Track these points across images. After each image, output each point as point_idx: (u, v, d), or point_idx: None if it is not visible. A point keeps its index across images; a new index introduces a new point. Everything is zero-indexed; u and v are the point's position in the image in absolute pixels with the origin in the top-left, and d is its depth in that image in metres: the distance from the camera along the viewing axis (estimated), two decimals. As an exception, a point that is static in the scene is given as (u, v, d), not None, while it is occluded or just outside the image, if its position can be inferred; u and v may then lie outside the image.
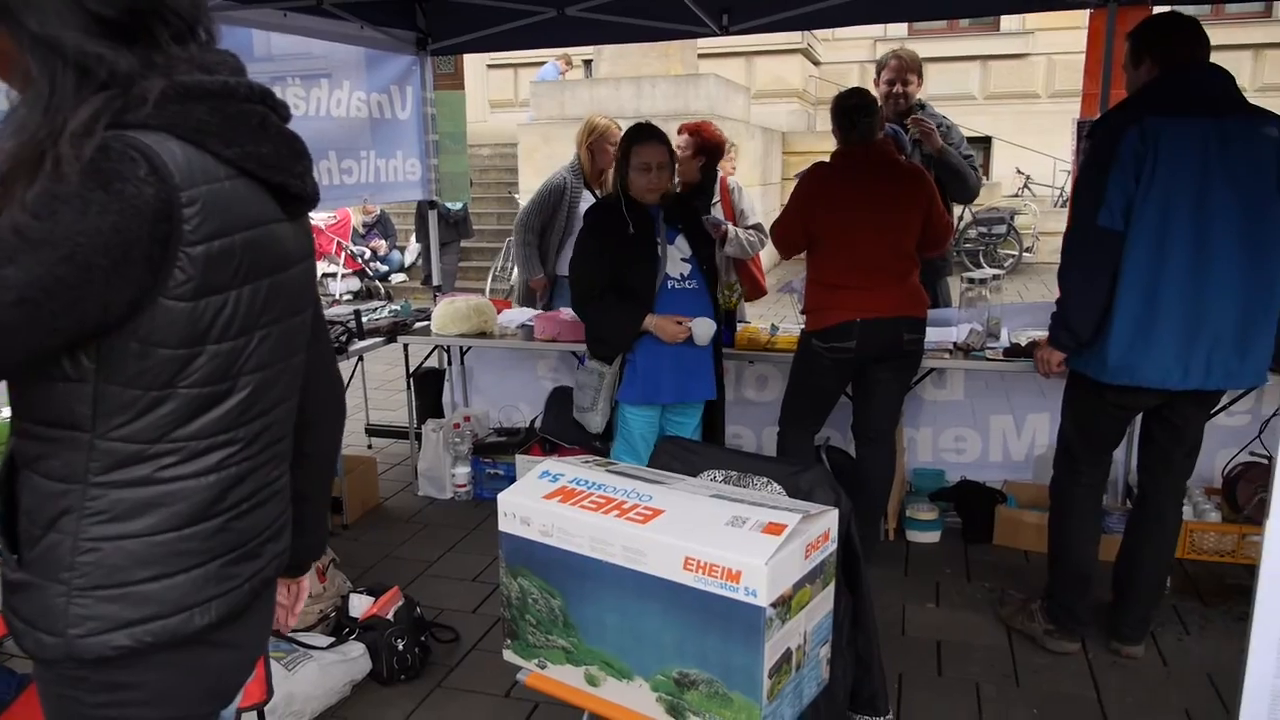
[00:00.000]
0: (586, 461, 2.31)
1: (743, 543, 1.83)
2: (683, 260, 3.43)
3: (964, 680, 2.98)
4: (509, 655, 2.19)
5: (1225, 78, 2.77)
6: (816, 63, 15.97)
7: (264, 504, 1.30)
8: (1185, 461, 3.03)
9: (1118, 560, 3.15)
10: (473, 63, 16.03)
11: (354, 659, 2.94)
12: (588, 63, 13.33)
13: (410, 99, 4.96)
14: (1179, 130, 2.69)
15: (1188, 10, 3.07)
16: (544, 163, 9.81)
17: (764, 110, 13.46)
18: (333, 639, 3.00)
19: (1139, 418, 3.23)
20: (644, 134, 3.36)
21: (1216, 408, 3.08)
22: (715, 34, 4.42)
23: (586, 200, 4.61)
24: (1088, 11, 4.00)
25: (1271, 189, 2.67)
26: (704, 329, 3.34)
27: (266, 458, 1.29)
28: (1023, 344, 3.74)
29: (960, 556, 3.88)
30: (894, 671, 2.99)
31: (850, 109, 3.46)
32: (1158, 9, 3.72)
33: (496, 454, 4.60)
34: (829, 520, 2.00)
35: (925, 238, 3.49)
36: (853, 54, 15.92)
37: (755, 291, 4.67)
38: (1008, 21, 15.02)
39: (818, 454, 3.95)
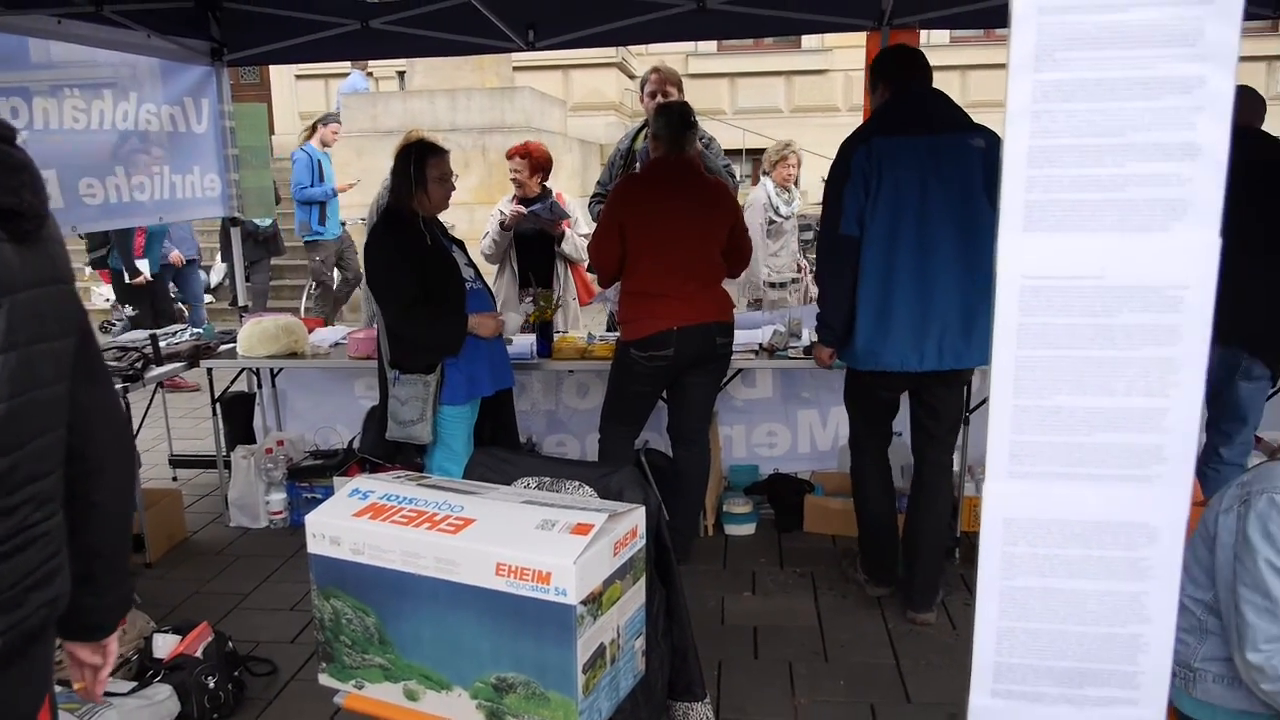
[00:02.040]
0: (399, 477, 2.30)
1: (552, 545, 1.88)
2: (464, 264, 3.58)
3: (778, 661, 3.15)
4: (325, 679, 2.16)
5: (943, 100, 3.21)
6: (632, 76, 16.32)
7: (23, 549, 1.22)
8: (948, 437, 3.41)
9: (904, 534, 3.47)
10: (280, 74, 15.38)
11: (160, 702, 2.79)
12: (401, 74, 13.10)
13: (206, 111, 4.75)
14: (899, 147, 3.09)
15: (954, 34, 3.50)
16: (357, 178, 9.56)
17: (582, 123, 13.63)
18: (135, 684, 2.83)
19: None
20: (435, 148, 3.47)
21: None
22: (522, 49, 4.48)
23: None
24: (866, 33, 4.32)
25: (979, 193, 3.03)
26: (514, 321, 3.65)
27: (21, 499, 1.21)
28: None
29: (774, 546, 4.10)
30: (714, 659, 3.13)
31: (672, 119, 3.61)
32: (924, 32, 4.08)
33: (313, 478, 4.46)
34: (636, 518, 2.09)
35: (730, 255, 3.66)
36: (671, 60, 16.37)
37: (587, 295, 4.93)
38: (808, 40, 15.87)
39: (638, 457, 4.06)
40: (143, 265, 7.22)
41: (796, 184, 6.17)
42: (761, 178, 6.20)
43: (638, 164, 4.40)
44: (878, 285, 3.15)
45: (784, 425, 4.62)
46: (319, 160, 7.71)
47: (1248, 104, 3.31)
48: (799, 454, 4.63)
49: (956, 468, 3.61)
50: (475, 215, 7.96)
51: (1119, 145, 1.02)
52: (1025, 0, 1.00)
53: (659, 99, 4.44)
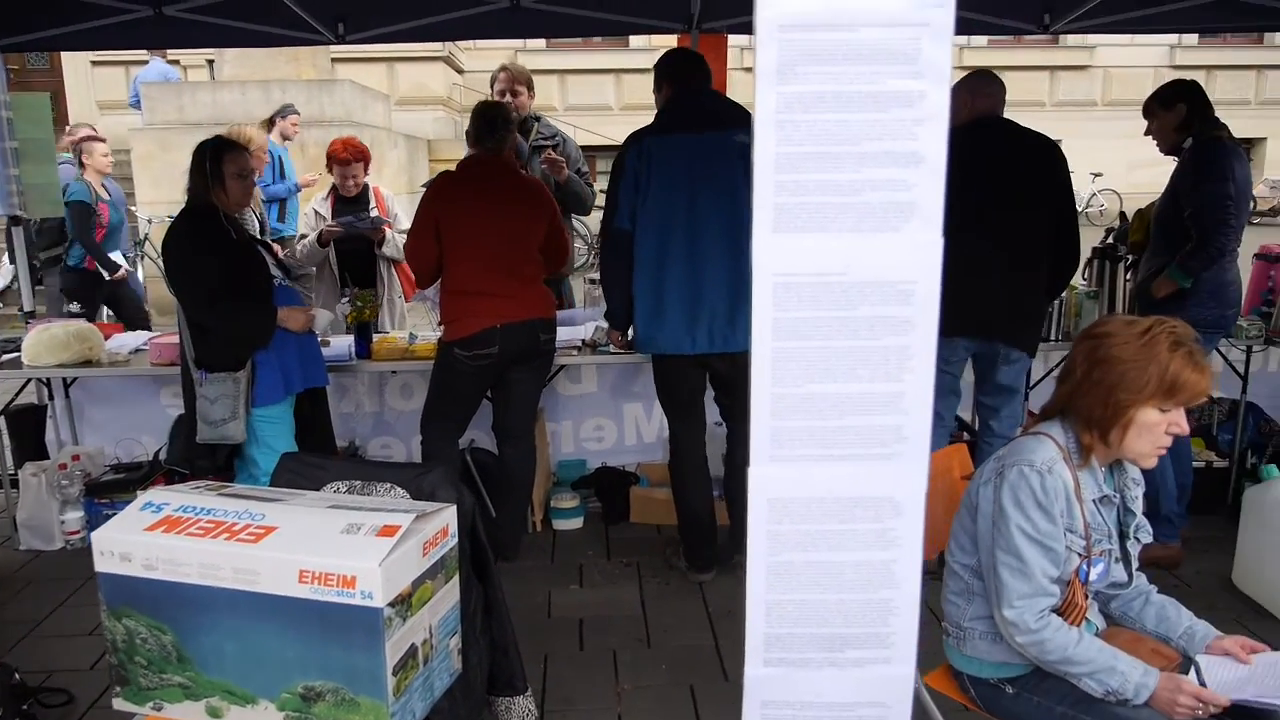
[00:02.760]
0: (197, 487, 2.21)
1: (357, 548, 1.86)
2: (272, 264, 3.53)
3: (603, 650, 3.22)
4: (119, 704, 2.05)
5: (721, 99, 3.44)
6: (460, 70, 16.08)
7: None
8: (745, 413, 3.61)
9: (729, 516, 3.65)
10: (74, 60, 14.24)
11: (-66, 744, 2.57)
12: (211, 63, 12.39)
13: (-22, 101, 4.36)
14: (670, 146, 3.31)
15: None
16: (163, 172, 9.00)
17: (409, 117, 13.32)
18: (-95, 726, 2.60)
19: None
20: (232, 144, 3.43)
21: None
22: (331, 42, 4.35)
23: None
24: (676, 36, 4.45)
25: (741, 186, 3.24)
26: (324, 317, 3.59)
27: None
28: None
29: (601, 538, 4.17)
30: (540, 652, 3.16)
31: (491, 119, 3.62)
32: (732, 37, 4.24)
33: (114, 493, 4.19)
34: (446, 517, 2.09)
35: (547, 253, 3.70)
36: (494, 62, 16.17)
37: (413, 292, 4.88)
38: (636, 39, 16.11)
39: (463, 457, 4.04)
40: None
41: None
42: None
43: (534, 161, 4.48)
44: (652, 276, 3.37)
45: (611, 419, 4.70)
46: (279, 155, 7.17)
47: (985, 91, 3.53)
48: (626, 447, 4.73)
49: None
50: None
51: (855, 153, 1.12)
52: (767, 18, 1.08)
53: (508, 98, 4.45)
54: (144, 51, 11.95)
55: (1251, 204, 17.20)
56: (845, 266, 1.15)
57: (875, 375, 1.19)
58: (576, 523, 4.28)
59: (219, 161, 3.32)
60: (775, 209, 1.13)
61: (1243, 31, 12.98)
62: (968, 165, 3.41)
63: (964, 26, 4.33)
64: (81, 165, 6.11)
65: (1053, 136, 3.62)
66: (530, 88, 4.58)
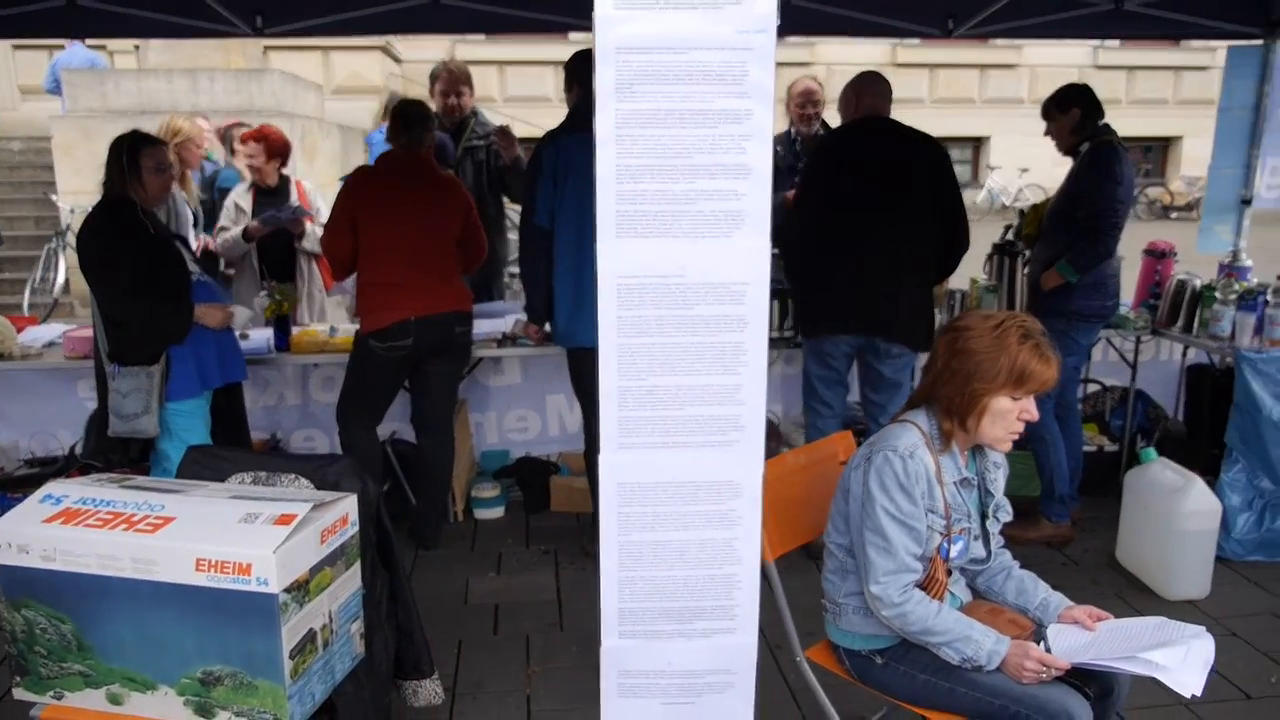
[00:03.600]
0: (98, 480, 2.25)
1: (253, 536, 1.92)
2: (189, 259, 3.53)
3: (517, 635, 3.31)
4: (20, 693, 2.09)
5: None
6: (398, 60, 15.93)
7: None
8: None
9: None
10: (-8, 42, 13.80)
11: None
12: (138, 48, 12.12)
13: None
14: (583, 144, 3.41)
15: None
16: (86, 161, 8.80)
17: (344, 106, 13.18)
18: None
19: None
20: (149, 138, 3.42)
21: None
22: (249, 34, 4.35)
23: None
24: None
25: None
26: (243, 314, 3.60)
27: None
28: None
29: (522, 526, 4.26)
30: (454, 638, 3.24)
31: (410, 116, 3.67)
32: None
33: (29, 487, 4.14)
34: (346, 506, 2.16)
35: (464, 248, 3.76)
36: (433, 53, 16.01)
37: (332, 284, 4.84)
38: (576, 34, 16.11)
39: (383, 447, 4.09)
40: None
41: None
42: None
43: (468, 162, 4.57)
44: (571, 271, 3.46)
45: (534, 410, 4.78)
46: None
47: (871, 90, 3.66)
48: (549, 437, 4.81)
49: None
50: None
51: (688, 166, 1.22)
52: (606, 40, 1.18)
53: (451, 99, 4.50)
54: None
55: (1139, 202, 17.74)
56: (682, 269, 1.25)
57: (713, 369, 1.30)
58: (498, 512, 4.35)
59: (136, 156, 3.31)
60: (617, 216, 1.23)
61: (1132, 39, 13.45)
62: (850, 163, 3.58)
63: (873, 30, 4.51)
64: None
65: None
66: (471, 87, 4.63)
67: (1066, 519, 3.97)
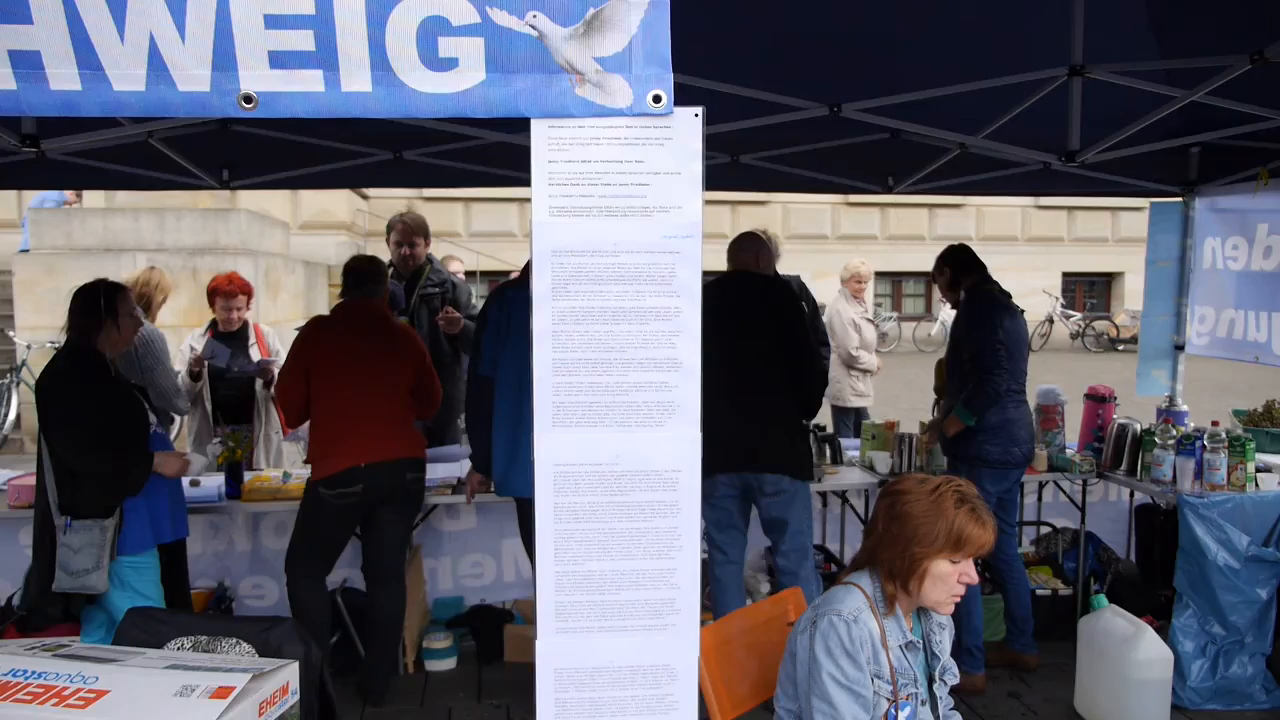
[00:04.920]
0: (30, 648, 2.18)
1: (188, 712, 1.87)
2: (148, 407, 3.52)
3: (464, 800, 3.18)
4: None
5: None
6: (365, 196, 16.34)
7: None
8: None
9: None
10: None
11: None
12: (108, 187, 12.32)
13: None
14: (526, 300, 3.46)
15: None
16: (47, 298, 8.84)
17: (311, 242, 13.41)
18: None
19: None
20: (120, 286, 3.47)
21: None
22: (216, 188, 4.47)
23: None
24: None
25: None
26: (199, 462, 3.57)
27: None
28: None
29: (474, 678, 4.14)
30: (398, 806, 3.11)
31: (360, 273, 3.79)
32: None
33: (-41, 643, 3.98)
34: (287, 675, 2.11)
35: (417, 396, 3.81)
36: (400, 190, 16.53)
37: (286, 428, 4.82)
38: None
39: (333, 597, 4.00)
40: None
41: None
42: (840, 287, 6.57)
43: (423, 310, 4.66)
44: (509, 420, 3.52)
45: (489, 555, 4.73)
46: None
47: (741, 248, 3.89)
48: (505, 583, 4.74)
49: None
50: (181, 337, 7.60)
51: (621, 360, 1.29)
52: (542, 244, 1.26)
53: (405, 249, 4.64)
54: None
55: (1088, 335, 18.11)
56: (616, 457, 1.30)
57: (647, 554, 1.32)
58: (450, 663, 4.24)
59: (113, 303, 3.34)
60: (554, 407, 1.29)
61: (1062, 195, 14.23)
62: (710, 313, 3.73)
63: (819, 186, 4.74)
64: None
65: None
66: (427, 237, 4.77)
67: (981, 669, 3.94)
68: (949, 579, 2.04)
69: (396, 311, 4.11)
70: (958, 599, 2.08)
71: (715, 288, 3.85)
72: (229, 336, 4.78)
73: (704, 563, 3.85)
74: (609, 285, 1.27)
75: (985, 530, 2.04)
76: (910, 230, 18.79)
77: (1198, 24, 3.04)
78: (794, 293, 3.86)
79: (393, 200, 16.50)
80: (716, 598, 3.80)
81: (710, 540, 3.81)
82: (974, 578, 2.06)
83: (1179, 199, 4.92)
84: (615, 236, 1.26)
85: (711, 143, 2.78)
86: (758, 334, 3.67)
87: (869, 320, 6.45)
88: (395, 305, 4.26)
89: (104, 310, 3.34)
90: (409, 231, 4.74)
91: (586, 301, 1.27)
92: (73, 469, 3.30)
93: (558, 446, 1.27)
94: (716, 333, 3.62)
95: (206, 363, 4.60)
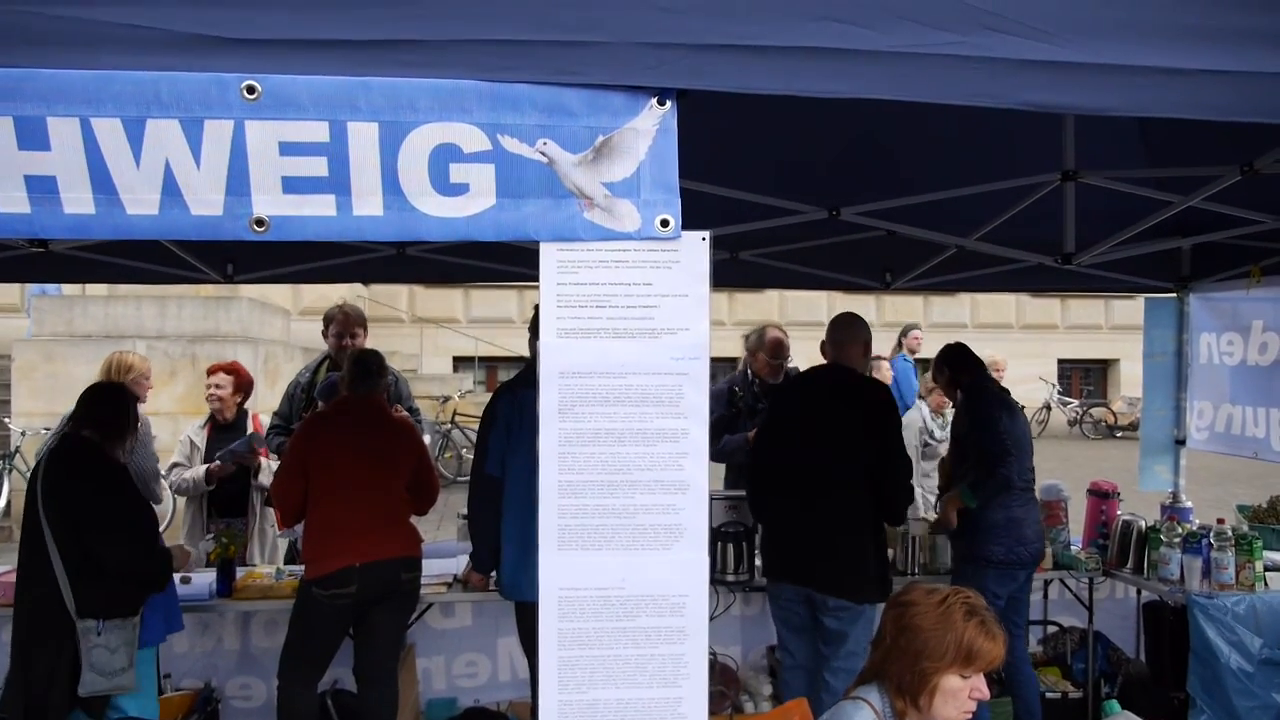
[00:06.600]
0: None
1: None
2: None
3: None
4: None
5: None
6: (367, 283, 16.47)
7: None
8: None
9: None
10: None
11: None
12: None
13: None
14: (534, 398, 3.45)
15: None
16: (44, 383, 8.83)
17: (311, 328, 13.31)
18: None
19: None
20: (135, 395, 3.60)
21: None
22: (220, 282, 4.51)
23: None
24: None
25: None
26: (194, 556, 3.67)
27: None
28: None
29: (467, 786, 3.99)
30: None
31: (369, 366, 3.79)
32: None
33: (-66, 748, 3.85)
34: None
35: (414, 491, 3.77)
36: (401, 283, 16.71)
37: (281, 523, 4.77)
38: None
39: (323, 700, 3.89)
40: None
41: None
42: (918, 401, 6.48)
43: (317, 399, 4.51)
44: (519, 521, 3.43)
45: (484, 654, 4.61)
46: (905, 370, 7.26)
47: (834, 338, 3.72)
48: (500, 683, 4.61)
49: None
50: (179, 425, 7.56)
51: (628, 482, 1.27)
52: (549, 365, 1.26)
53: (345, 340, 4.64)
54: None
55: (1085, 422, 18.01)
56: (622, 581, 1.27)
57: (654, 681, 1.29)
58: (441, 770, 4.10)
59: (136, 412, 3.48)
60: (559, 530, 1.27)
61: (1053, 292, 14.48)
62: (800, 413, 3.70)
63: (817, 283, 4.80)
64: None
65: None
66: (365, 329, 4.79)
67: None
68: (960, 695, 1.98)
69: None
70: (969, 715, 2.02)
71: (805, 386, 3.85)
72: (226, 429, 4.75)
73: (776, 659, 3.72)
74: (616, 407, 1.27)
75: (995, 644, 1.99)
76: (906, 317, 18.90)
77: (1187, 136, 3.11)
78: (894, 401, 3.76)
79: (394, 287, 16.62)
80: (785, 700, 3.69)
81: (780, 639, 3.79)
82: (985, 693, 2.01)
83: (1173, 294, 4.97)
84: (623, 358, 1.26)
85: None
86: (846, 442, 3.52)
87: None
88: (331, 397, 4.22)
89: (131, 424, 3.43)
90: (349, 323, 4.76)
91: (593, 423, 1.26)
92: (124, 570, 3.27)
93: (562, 570, 1.25)
94: (800, 429, 3.58)
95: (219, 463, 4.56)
